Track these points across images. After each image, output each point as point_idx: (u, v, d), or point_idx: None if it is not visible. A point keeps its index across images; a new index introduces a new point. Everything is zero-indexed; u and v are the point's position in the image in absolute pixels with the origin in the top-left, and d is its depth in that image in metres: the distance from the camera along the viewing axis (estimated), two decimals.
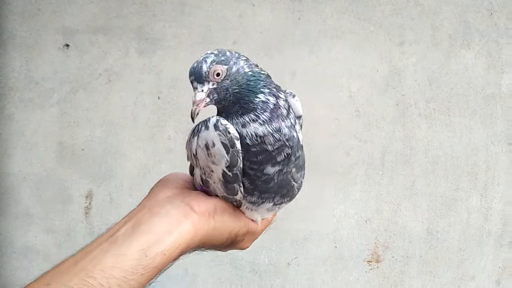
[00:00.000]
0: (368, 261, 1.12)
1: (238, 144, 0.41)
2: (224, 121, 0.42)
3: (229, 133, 0.41)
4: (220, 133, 0.41)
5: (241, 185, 0.44)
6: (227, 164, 0.42)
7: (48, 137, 1.13)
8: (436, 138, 1.10)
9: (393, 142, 1.10)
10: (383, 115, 1.10)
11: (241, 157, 0.42)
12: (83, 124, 1.12)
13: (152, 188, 0.47)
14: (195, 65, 0.43)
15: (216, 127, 0.42)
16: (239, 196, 0.44)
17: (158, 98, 1.12)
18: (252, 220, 0.48)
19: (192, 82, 0.43)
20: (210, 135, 0.42)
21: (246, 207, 0.47)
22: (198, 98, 0.42)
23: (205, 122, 0.43)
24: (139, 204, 0.45)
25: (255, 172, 0.43)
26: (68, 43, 1.11)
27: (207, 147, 0.42)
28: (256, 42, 1.10)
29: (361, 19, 1.10)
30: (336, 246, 1.12)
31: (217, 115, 0.44)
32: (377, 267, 1.12)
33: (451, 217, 1.10)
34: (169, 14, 1.11)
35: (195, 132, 0.44)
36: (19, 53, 1.12)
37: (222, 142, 0.41)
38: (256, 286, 1.12)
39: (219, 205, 0.46)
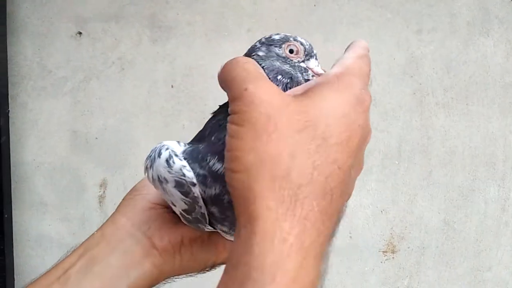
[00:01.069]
0: (384, 252, 1.11)
1: (196, 190, 0.33)
2: (179, 159, 0.33)
3: (184, 175, 0.32)
4: (171, 172, 0.33)
5: (207, 220, 0.35)
6: (184, 208, 0.34)
7: (62, 126, 1.12)
8: (454, 128, 1.08)
9: (410, 131, 1.09)
10: (399, 104, 1.08)
11: (201, 204, 0.33)
12: (97, 113, 1.12)
13: (120, 204, 0.40)
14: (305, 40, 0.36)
15: (168, 163, 0.33)
16: (206, 229, 0.36)
17: (172, 86, 1.11)
18: None
19: (315, 55, 0.36)
20: (161, 170, 0.33)
21: (222, 232, 0.37)
22: (321, 72, 0.35)
23: (159, 150, 0.34)
24: (106, 221, 0.39)
25: (229, 200, 0.32)
26: (81, 31, 1.10)
27: (160, 181, 0.33)
28: (270, 29, 1.08)
29: (378, 6, 1.07)
30: (351, 237, 1.11)
31: None
32: (393, 257, 1.11)
33: (468, 208, 1.09)
34: (182, 1, 1.09)
35: (151, 157, 0.34)
36: (32, 41, 1.11)
37: (176, 181, 0.33)
38: None
39: (187, 235, 0.38)
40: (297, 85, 0.32)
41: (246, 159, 0.26)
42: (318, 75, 0.34)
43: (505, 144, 1.08)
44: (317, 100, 0.28)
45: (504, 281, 1.10)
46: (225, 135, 0.29)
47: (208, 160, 0.32)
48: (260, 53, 0.34)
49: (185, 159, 0.33)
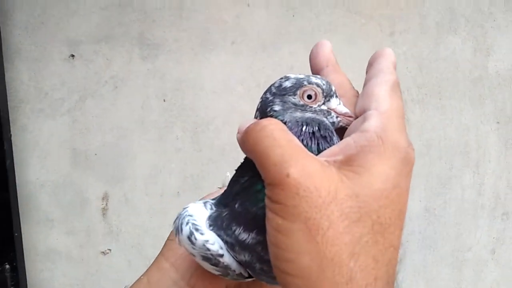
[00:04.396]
0: None
1: (225, 260, 0.32)
2: (200, 234, 0.32)
3: (208, 250, 0.31)
4: (195, 248, 0.32)
5: (245, 276, 0.34)
6: (218, 274, 0.34)
7: (62, 145, 1.18)
8: (429, 122, 1.16)
9: None
10: None
11: (234, 268, 0.33)
12: (94, 130, 1.17)
13: (164, 246, 0.40)
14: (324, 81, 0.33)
15: (190, 240, 0.32)
16: (247, 279, 0.35)
17: (164, 100, 1.17)
18: None
19: (335, 93, 0.33)
20: (186, 247, 0.32)
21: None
22: (345, 110, 0.32)
23: (181, 222, 0.33)
24: (152, 265, 0.39)
25: (260, 268, 0.32)
26: (73, 54, 1.16)
27: (189, 252, 0.33)
28: (253, 41, 1.15)
29: (352, 12, 1.15)
30: None
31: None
32: None
33: (446, 195, 1.17)
34: (168, 19, 1.15)
35: (176, 225, 0.33)
36: (27, 66, 1.16)
37: (202, 256, 0.32)
38: None
39: (232, 282, 0.37)
40: (326, 131, 0.30)
41: (301, 263, 0.24)
42: (343, 115, 0.32)
43: (477, 134, 1.16)
44: (365, 175, 0.25)
45: (483, 259, 1.19)
46: (249, 203, 0.30)
47: (233, 230, 0.31)
48: (276, 108, 0.31)
49: (210, 226, 0.32)
